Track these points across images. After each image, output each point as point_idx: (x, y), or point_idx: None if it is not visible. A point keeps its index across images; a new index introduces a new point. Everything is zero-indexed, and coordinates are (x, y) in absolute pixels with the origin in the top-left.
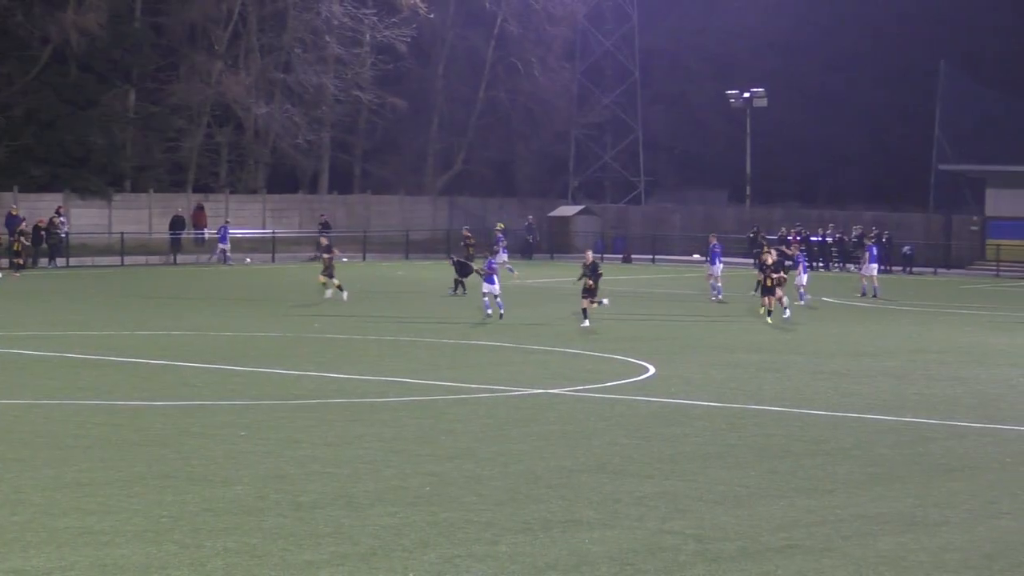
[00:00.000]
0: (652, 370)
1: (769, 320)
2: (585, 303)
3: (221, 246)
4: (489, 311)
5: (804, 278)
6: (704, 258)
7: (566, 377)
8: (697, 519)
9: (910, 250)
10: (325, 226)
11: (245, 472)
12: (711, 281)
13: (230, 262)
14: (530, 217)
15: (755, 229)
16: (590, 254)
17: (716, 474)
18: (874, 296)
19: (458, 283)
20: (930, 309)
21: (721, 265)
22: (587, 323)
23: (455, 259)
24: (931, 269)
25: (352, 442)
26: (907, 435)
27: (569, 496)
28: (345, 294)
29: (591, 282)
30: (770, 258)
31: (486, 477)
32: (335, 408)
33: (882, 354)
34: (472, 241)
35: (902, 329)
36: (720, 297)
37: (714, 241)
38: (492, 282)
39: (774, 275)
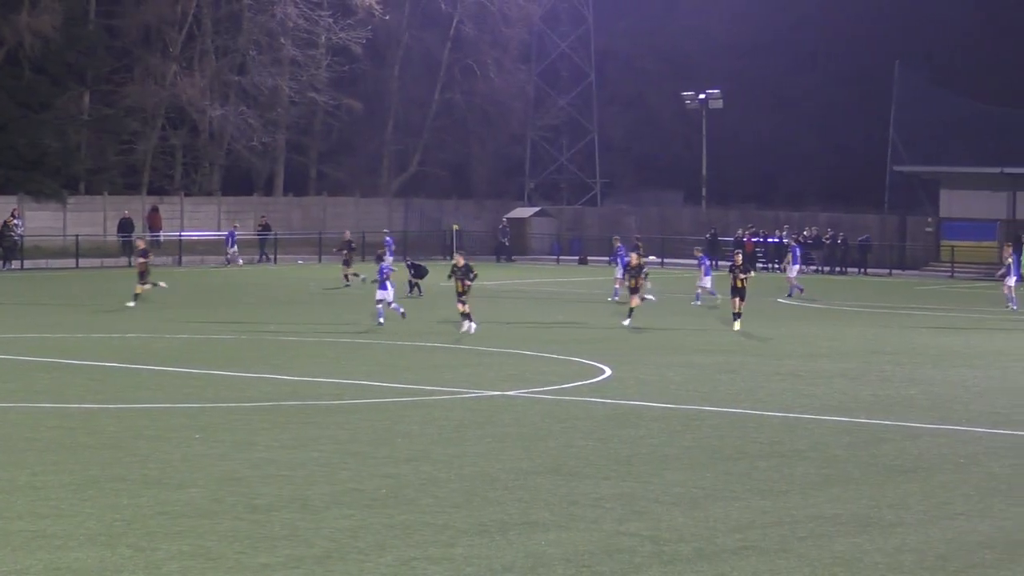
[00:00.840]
0: (608, 372)
1: (737, 326)
2: (461, 307)
3: (230, 250)
4: (381, 319)
5: (707, 280)
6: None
7: (522, 379)
8: (653, 521)
9: (866, 239)
10: (265, 228)
11: (200, 475)
12: (616, 285)
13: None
14: (504, 219)
15: (712, 231)
16: (460, 257)
17: (672, 476)
18: (789, 296)
19: (413, 285)
20: (885, 310)
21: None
22: (469, 326)
23: (410, 261)
24: (886, 270)
25: (307, 444)
26: (862, 436)
27: (525, 498)
28: (133, 303)
29: (464, 284)
30: (635, 259)
31: (442, 479)
32: (290, 411)
33: (837, 355)
34: (353, 245)
35: (857, 330)
36: (617, 299)
37: (618, 244)
38: (385, 288)
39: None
